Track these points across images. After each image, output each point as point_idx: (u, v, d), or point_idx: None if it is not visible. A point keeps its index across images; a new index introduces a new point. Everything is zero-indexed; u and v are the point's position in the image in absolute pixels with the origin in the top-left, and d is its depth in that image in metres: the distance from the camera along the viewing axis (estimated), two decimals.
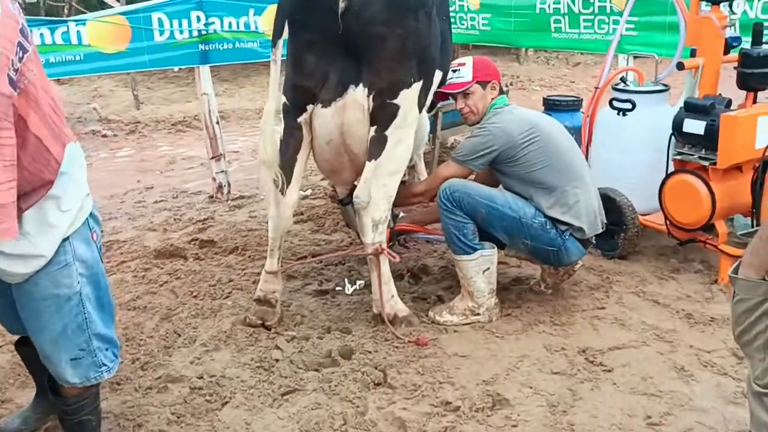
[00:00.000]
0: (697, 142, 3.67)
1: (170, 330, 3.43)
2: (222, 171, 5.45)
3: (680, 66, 3.81)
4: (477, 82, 3.37)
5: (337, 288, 3.86)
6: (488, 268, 3.39)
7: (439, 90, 3.45)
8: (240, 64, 5.30)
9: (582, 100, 5.40)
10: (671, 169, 3.82)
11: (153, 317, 3.59)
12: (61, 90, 9.91)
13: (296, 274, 4.04)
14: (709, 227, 3.72)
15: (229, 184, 5.53)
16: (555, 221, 3.28)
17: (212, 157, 5.40)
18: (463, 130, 5.54)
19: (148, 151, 7.33)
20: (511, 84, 10.41)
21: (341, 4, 2.98)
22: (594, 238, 3.44)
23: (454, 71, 3.42)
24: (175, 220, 5.07)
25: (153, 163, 6.80)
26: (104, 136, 7.95)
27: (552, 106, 5.32)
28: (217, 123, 5.36)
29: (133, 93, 9.27)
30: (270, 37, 3.20)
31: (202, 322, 3.51)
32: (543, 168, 3.25)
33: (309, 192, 5.56)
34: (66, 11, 11.27)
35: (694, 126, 3.63)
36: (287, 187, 3.31)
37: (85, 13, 8.26)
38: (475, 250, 3.32)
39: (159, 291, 3.91)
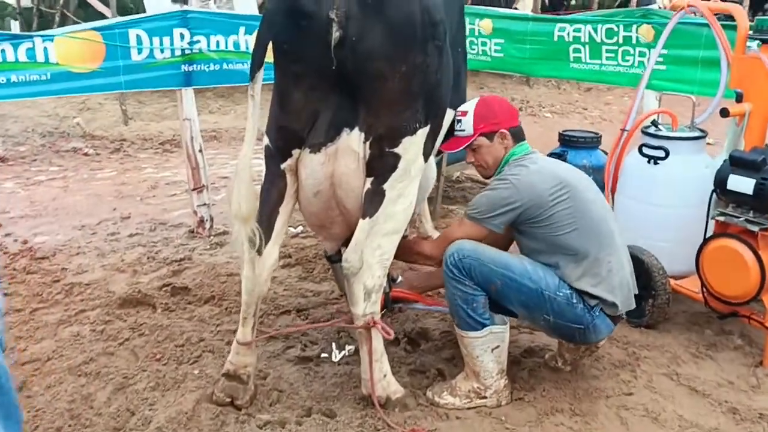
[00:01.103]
0: (743, 203, 3.17)
1: (123, 407, 2.92)
2: (204, 204, 4.95)
3: (725, 113, 3.32)
4: (481, 135, 2.88)
5: (323, 355, 3.36)
6: (498, 346, 2.89)
7: (441, 145, 2.96)
8: None
9: (601, 136, 4.90)
10: (711, 230, 3.32)
11: (105, 387, 3.08)
12: (47, 102, 9.39)
13: (277, 335, 3.53)
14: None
15: (211, 218, 5.02)
16: (583, 294, 2.77)
17: (194, 189, 4.90)
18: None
19: (130, 173, 6.82)
20: (521, 109, 9.93)
21: (335, 34, 2.49)
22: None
23: (458, 122, 2.92)
24: (148, 258, 4.56)
25: (134, 188, 6.29)
26: (86, 154, 7.43)
27: (568, 142, 4.82)
28: (200, 151, 4.86)
29: (121, 108, 8.77)
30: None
31: (162, 397, 2.99)
32: (572, 231, 2.74)
33: (300, 229, 5.05)
34: (57, 19, 10.79)
35: (742, 184, 3.13)
36: (266, 245, 2.81)
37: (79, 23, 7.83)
38: (485, 326, 2.82)
39: (117, 351, 3.40)
